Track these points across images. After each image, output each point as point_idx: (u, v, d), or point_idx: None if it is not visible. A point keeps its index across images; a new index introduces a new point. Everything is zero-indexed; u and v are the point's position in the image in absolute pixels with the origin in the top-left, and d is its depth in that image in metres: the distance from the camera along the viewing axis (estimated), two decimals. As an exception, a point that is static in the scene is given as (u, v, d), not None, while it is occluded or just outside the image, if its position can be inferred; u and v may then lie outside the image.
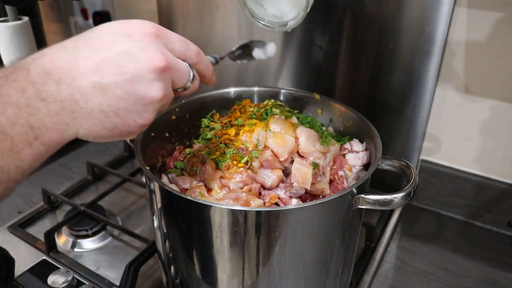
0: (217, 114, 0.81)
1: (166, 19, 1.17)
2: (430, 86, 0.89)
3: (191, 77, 0.52)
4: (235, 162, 0.66)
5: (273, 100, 0.79)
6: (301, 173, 0.64)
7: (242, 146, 0.67)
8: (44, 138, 0.40)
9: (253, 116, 0.72)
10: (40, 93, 0.40)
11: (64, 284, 0.77)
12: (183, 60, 0.51)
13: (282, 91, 0.84)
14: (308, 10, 0.66)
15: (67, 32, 1.45)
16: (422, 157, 1.01)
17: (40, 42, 1.18)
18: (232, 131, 0.71)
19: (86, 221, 0.92)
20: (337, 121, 0.80)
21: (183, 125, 0.80)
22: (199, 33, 1.12)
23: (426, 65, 0.87)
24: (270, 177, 0.65)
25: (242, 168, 0.65)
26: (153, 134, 0.72)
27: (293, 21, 0.69)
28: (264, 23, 0.69)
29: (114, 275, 0.83)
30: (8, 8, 1.06)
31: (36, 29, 1.16)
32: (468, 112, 0.92)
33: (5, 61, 1.08)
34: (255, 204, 0.61)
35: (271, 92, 0.84)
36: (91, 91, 0.42)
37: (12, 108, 0.38)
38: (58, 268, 0.82)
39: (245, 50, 0.73)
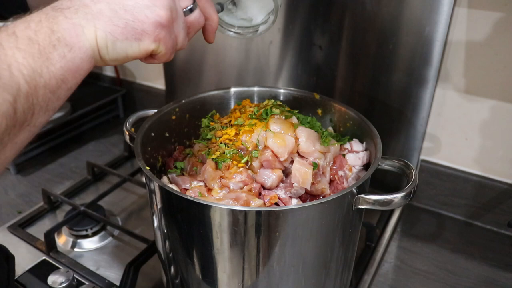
0: (217, 114, 0.81)
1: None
2: (430, 86, 0.89)
3: (193, 3, 0.56)
4: (235, 162, 0.66)
5: (273, 100, 0.79)
6: (301, 173, 0.64)
7: (242, 146, 0.67)
8: (65, 39, 0.44)
9: (253, 116, 0.72)
10: (55, 7, 0.45)
11: (64, 284, 0.77)
12: None
13: (282, 91, 0.84)
14: (277, 13, 0.65)
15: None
16: (422, 157, 1.01)
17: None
18: (232, 131, 0.71)
19: (86, 221, 0.92)
20: (337, 121, 0.80)
21: (183, 125, 0.80)
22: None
23: (426, 65, 0.87)
24: (270, 177, 0.65)
25: (242, 168, 0.65)
26: (153, 134, 0.72)
27: (264, 26, 0.68)
28: (234, 30, 0.68)
29: (114, 275, 0.83)
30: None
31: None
32: (468, 112, 0.92)
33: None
34: (255, 204, 0.61)
35: (271, 92, 0.84)
36: None
37: (35, 22, 0.43)
38: (58, 268, 0.82)
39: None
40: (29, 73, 0.40)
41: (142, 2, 0.48)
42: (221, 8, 0.64)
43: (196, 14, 0.57)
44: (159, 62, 0.55)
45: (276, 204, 0.64)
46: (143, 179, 1.08)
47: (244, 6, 0.68)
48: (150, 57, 0.53)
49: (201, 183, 0.67)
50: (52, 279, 0.77)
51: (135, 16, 0.48)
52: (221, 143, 0.70)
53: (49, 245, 0.87)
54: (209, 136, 0.74)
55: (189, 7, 0.55)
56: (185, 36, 0.56)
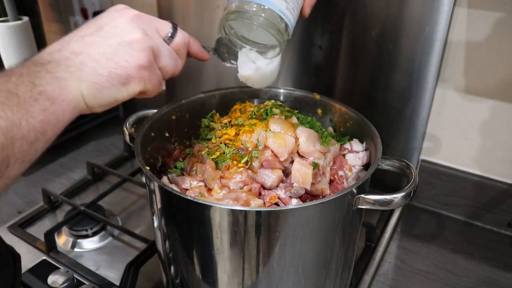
0: (217, 114, 0.81)
1: (166, 19, 1.17)
2: (430, 86, 0.89)
3: (172, 26, 0.58)
4: (235, 162, 0.66)
5: (273, 100, 0.79)
6: (301, 173, 0.64)
7: (242, 146, 0.67)
8: (47, 92, 0.44)
9: (253, 116, 0.72)
10: (36, 62, 0.46)
11: (64, 284, 0.77)
12: None
13: (282, 91, 0.84)
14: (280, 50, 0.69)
15: (67, 32, 1.44)
16: (422, 157, 1.01)
17: (40, 42, 1.18)
18: (232, 131, 0.71)
19: (86, 221, 0.92)
20: (337, 121, 0.80)
21: (183, 125, 0.80)
22: (199, 33, 1.12)
23: (426, 65, 0.87)
24: (270, 177, 0.65)
25: (242, 168, 0.65)
26: (153, 134, 0.72)
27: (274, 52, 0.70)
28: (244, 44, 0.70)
29: (114, 275, 0.83)
30: (8, 8, 1.06)
31: (36, 29, 1.15)
32: (468, 112, 0.92)
33: (5, 61, 1.08)
34: (255, 204, 0.61)
35: (271, 92, 0.84)
36: (79, 47, 0.49)
37: (16, 76, 0.44)
38: (58, 268, 0.82)
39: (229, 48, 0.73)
40: (6, 124, 0.40)
41: (120, 48, 0.50)
42: (211, 51, 0.68)
43: (178, 37, 0.59)
44: (151, 96, 0.57)
45: (276, 204, 0.64)
46: (143, 179, 1.08)
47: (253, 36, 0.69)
48: (140, 93, 0.55)
49: (201, 183, 0.67)
50: (52, 279, 0.77)
51: (117, 62, 0.49)
52: (221, 143, 0.70)
53: (49, 245, 0.87)
54: (209, 136, 0.74)
55: (169, 34, 0.57)
56: (176, 63, 0.59)
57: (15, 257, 0.66)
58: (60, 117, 0.46)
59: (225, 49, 0.73)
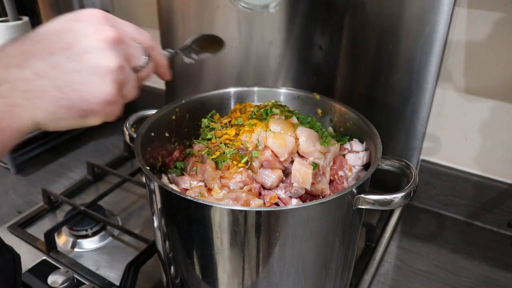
0: (217, 114, 0.81)
1: (166, 19, 1.17)
2: (430, 86, 0.89)
3: (145, 57, 0.51)
4: (235, 162, 0.66)
5: (273, 100, 0.78)
6: (301, 173, 0.64)
7: (242, 146, 0.67)
8: None
9: (253, 116, 0.72)
10: None
11: (64, 284, 0.77)
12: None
13: (282, 91, 0.84)
14: None
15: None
16: (422, 157, 1.01)
17: (40, 42, 1.18)
18: (232, 131, 0.71)
19: (86, 221, 0.92)
20: (337, 121, 0.80)
21: (183, 125, 0.80)
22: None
23: (426, 65, 0.87)
24: (270, 177, 0.65)
25: (242, 168, 0.65)
26: (153, 134, 0.72)
27: (274, 2, 0.66)
28: (244, 5, 0.66)
29: (114, 275, 0.83)
30: (8, 8, 1.06)
31: (36, 29, 1.16)
32: (468, 112, 0.92)
33: (5, 61, 1.08)
34: (255, 204, 0.61)
35: (271, 92, 0.84)
36: (43, 68, 0.42)
37: None
38: (58, 268, 0.82)
39: (202, 44, 0.69)
40: None
41: (90, 78, 0.44)
42: (171, 55, 0.62)
43: (148, 69, 0.53)
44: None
45: (276, 204, 0.64)
46: (143, 179, 1.08)
47: None
48: None
49: (201, 183, 0.67)
50: (52, 279, 0.77)
51: (82, 96, 0.43)
52: (221, 143, 0.70)
53: (49, 245, 0.87)
54: (209, 136, 0.74)
55: (137, 67, 0.51)
56: (136, 91, 0.52)
57: (15, 257, 0.66)
58: (4, 143, 0.41)
59: (199, 46, 0.70)
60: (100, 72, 0.44)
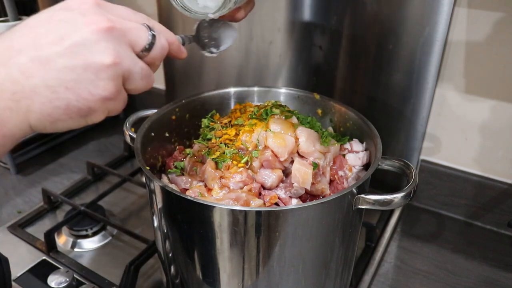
0: (217, 114, 0.81)
1: (166, 20, 1.17)
2: (430, 86, 0.89)
3: (150, 34, 0.46)
4: (235, 162, 0.66)
5: (273, 100, 0.79)
6: (301, 173, 0.64)
7: (242, 146, 0.67)
8: None
9: (253, 116, 0.72)
10: None
11: (64, 284, 0.77)
12: None
13: (282, 91, 0.84)
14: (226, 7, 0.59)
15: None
16: (422, 157, 1.01)
17: (40, 42, 1.18)
18: (232, 131, 0.71)
19: (86, 221, 0.92)
20: (337, 121, 0.80)
21: (183, 125, 0.80)
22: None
23: (426, 65, 0.87)
24: (270, 177, 0.65)
25: (242, 168, 0.65)
26: (153, 134, 0.72)
27: (214, 15, 0.63)
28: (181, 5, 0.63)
29: (114, 275, 0.83)
30: (8, 8, 1.06)
31: (36, 29, 1.16)
32: (468, 112, 0.92)
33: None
34: (255, 204, 0.61)
35: (271, 92, 0.84)
36: (31, 65, 0.38)
37: None
38: (58, 268, 0.82)
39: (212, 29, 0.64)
40: None
41: (84, 75, 0.39)
42: (183, 41, 0.58)
43: (156, 49, 0.47)
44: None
45: (276, 204, 0.64)
46: (143, 179, 1.08)
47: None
48: None
49: (201, 183, 0.67)
50: (52, 279, 0.77)
51: (78, 94, 0.40)
52: (221, 143, 0.70)
53: (49, 245, 0.87)
54: (209, 136, 0.74)
55: (146, 46, 0.46)
56: (148, 82, 0.47)
57: (2, 261, 0.64)
58: (3, 151, 0.39)
59: (206, 33, 0.67)
60: (95, 68, 0.40)
